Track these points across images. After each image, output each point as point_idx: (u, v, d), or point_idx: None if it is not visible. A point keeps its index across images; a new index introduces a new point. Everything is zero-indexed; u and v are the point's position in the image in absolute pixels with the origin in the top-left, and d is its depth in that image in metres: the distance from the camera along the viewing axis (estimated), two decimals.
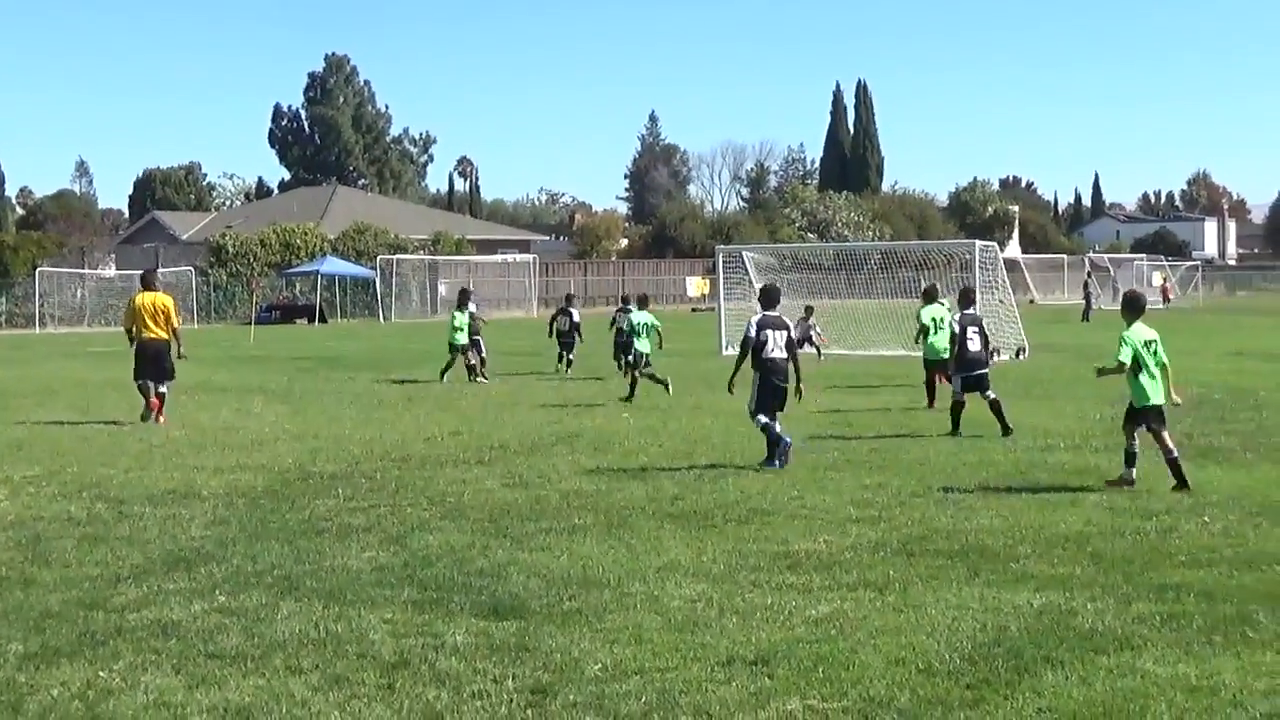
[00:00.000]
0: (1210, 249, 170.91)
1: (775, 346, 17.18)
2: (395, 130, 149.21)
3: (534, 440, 20.02)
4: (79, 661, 9.01)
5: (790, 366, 17.28)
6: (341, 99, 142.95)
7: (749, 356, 17.32)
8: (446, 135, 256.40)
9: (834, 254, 60.06)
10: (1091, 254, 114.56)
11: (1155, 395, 15.27)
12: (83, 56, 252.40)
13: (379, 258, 78.64)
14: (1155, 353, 15.28)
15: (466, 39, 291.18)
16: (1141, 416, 15.32)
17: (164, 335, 23.38)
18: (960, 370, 20.84)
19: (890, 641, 9.13)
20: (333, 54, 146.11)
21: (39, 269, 71.31)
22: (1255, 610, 9.82)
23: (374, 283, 76.93)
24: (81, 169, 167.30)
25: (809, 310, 36.67)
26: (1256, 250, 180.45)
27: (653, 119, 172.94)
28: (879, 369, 34.03)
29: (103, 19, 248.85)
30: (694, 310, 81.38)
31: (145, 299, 23.59)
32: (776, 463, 17.03)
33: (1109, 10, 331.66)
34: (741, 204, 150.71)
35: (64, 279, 73.77)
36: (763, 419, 17.22)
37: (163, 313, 23.50)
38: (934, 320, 24.67)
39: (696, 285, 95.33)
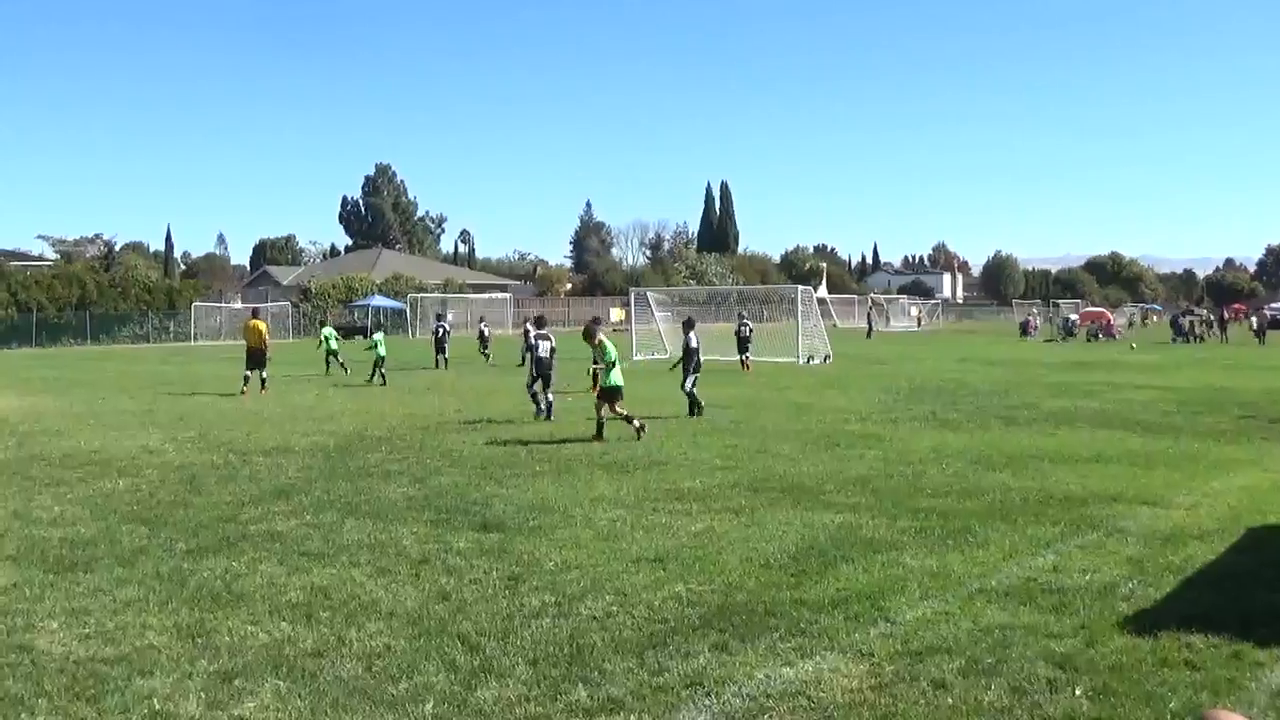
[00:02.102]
0: (947, 292, 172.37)
1: (543, 350, 19.14)
2: (420, 212, 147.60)
3: (508, 415, 19.96)
4: (220, 556, 9.00)
5: (553, 361, 19.37)
6: (385, 192, 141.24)
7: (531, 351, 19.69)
8: (454, 214, 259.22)
9: (706, 294, 60.37)
10: (872, 295, 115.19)
11: (619, 380, 16.50)
12: (222, 166, 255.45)
13: (409, 296, 78.22)
14: (619, 359, 16.85)
15: (468, 151, 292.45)
16: (612, 393, 16.40)
17: (261, 345, 25.90)
18: (693, 371, 19.98)
19: (742, 546, 9.19)
20: (380, 163, 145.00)
21: (194, 304, 72.68)
22: (973, 524, 9.97)
23: (405, 312, 76.69)
24: (220, 239, 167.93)
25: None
26: (975, 294, 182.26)
27: (588, 205, 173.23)
28: (735, 368, 34.19)
29: (229, 147, 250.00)
30: (614, 330, 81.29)
31: (253, 323, 26.50)
32: (545, 415, 18.80)
33: (876, 132, 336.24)
34: (646, 260, 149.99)
35: (208, 310, 73.96)
36: (533, 388, 19.20)
37: (262, 331, 26.23)
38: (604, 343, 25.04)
39: (617, 314, 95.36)
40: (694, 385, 19.89)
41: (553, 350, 19.41)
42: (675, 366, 21.55)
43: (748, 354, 35.43)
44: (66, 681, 6.06)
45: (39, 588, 8.02)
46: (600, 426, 16.33)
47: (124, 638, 6.84)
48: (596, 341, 17.01)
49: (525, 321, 40.07)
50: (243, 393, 25.13)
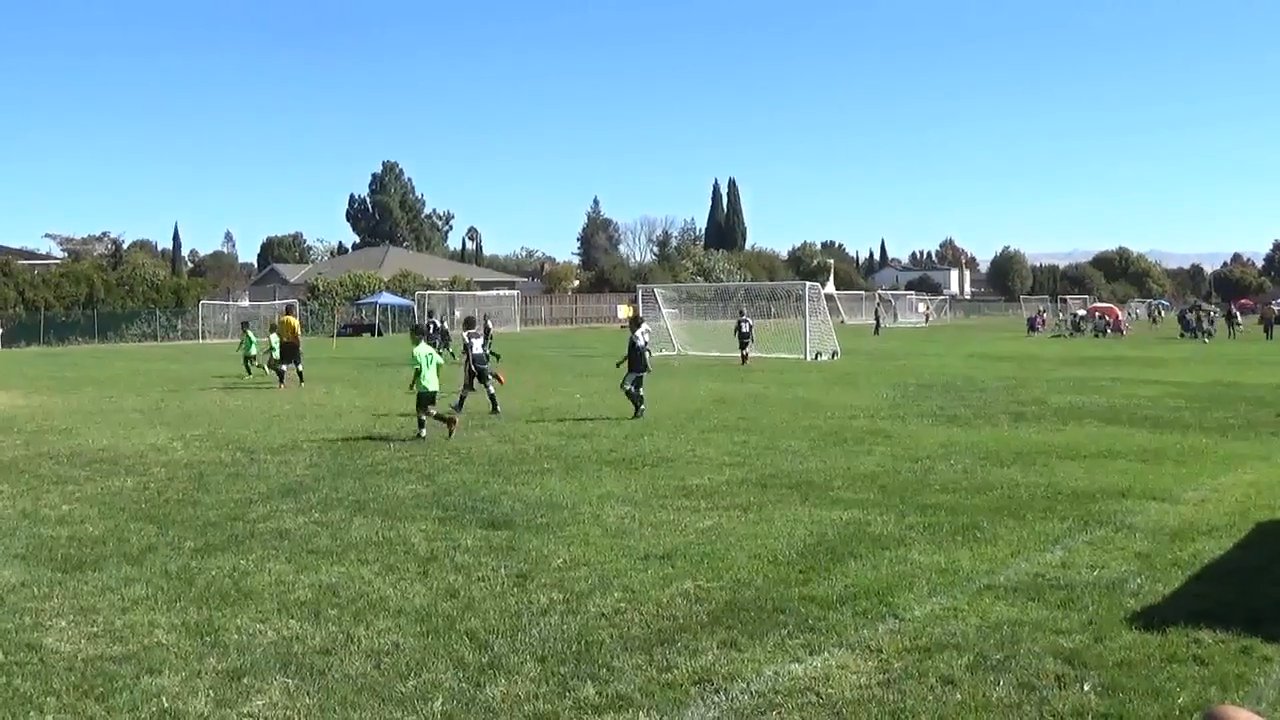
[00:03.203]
0: (954, 288, 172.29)
1: (477, 347, 20.14)
2: (427, 209, 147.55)
3: (515, 413, 19.97)
4: (228, 553, 9.00)
5: (490, 360, 20.71)
6: (393, 190, 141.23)
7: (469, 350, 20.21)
8: (461, 212, 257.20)
9: (714, 291, 60.26)
10: (880, 291, 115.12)
11: (434, 385, 16.67)
12: (229, 164, 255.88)
13: (416, 293, 78.26)
14: (433, 362, 16.85)
15: (475, 148, 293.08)
16: (428, 398, 16.57)
17: (295, 340, 27.66)
18: (636, 369, 19.32)
19: (750, 543, 9.19)
20: (387, 161, 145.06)
21: (201, 302, 73.31)
22: (981, 520, 9.96)
23: (413, 309, 76.80)
24: (228, 237, 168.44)
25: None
26: (982, 289, 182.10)
27: (595, 202, 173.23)
28: (736, 364, 34.15)
29: (236, 145, 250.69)
30: (622, 328, 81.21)
31: (287, 319, 28.31)
32: (492, 410, 19.53)
33: (885, 129, 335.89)
34: (653, 257, 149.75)
35: (216, 308, 74.44)
36: (466, 389, 20.04)
37: (295, 327, 27.97)
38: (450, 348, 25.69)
39: (624, 311, 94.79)
40: (635, 384, 19.14)
41: (483, 347, 20.73)
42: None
43: (748, 349, 35.59)
44: (75, 680, 6.07)
45: (47, 586, 8.04)
46: (421, 424, 16.58)
47: (132, 636, 6.85)
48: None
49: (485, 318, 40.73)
50: (281, 386, 26.45)
